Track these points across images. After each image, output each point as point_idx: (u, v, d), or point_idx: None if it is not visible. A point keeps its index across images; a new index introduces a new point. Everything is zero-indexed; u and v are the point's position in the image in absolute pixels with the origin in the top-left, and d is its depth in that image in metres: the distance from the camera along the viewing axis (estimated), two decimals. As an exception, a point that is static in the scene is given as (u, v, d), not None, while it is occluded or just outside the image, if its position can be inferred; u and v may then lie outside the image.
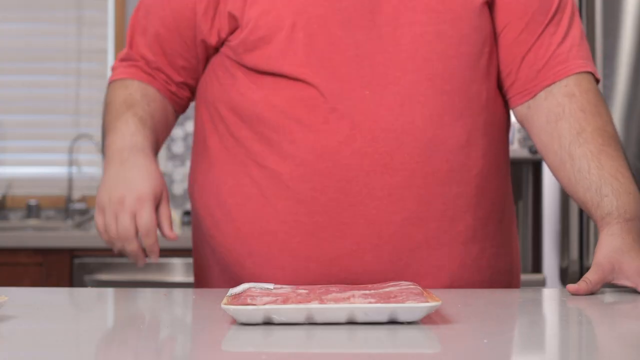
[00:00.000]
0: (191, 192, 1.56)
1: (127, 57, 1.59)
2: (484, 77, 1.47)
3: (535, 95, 1.49)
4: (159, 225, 1.45)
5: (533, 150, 2.83)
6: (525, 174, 2.96)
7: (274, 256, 1.42)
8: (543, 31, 1.48)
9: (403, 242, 1.41)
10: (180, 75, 1.57)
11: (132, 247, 1.44)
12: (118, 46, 3.85)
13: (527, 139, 2.84)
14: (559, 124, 1.46)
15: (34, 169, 3.88)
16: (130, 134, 1.48)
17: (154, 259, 1.45)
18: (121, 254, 1.46)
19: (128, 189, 1.42)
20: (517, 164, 2.92)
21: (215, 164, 1.49)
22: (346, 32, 1.42)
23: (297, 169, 1.41)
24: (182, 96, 1.60)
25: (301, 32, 1.41)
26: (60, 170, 3.87)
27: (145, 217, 1.42)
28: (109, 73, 3.82)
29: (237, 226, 1.45)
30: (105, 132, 1.53)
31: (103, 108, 1.59)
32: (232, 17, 1.46)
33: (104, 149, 1.52)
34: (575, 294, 1.35)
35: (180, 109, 1.62)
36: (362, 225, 1.40)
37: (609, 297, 1.36)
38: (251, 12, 1.44)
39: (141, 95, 1.55)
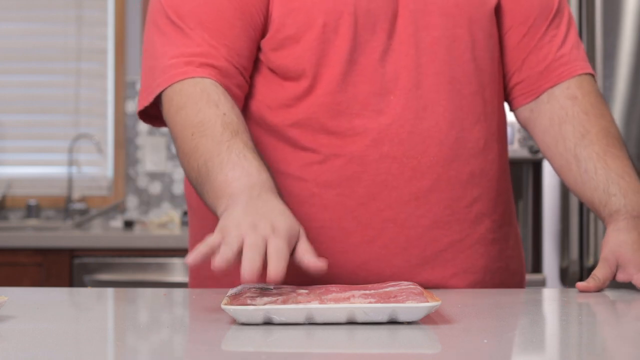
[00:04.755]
0: (191, 191, 1.54)
1: (195, 54, 1.39)
2: (496, 81, 1.50)
3: (538, 96, 1.52)
4: (300, 259, 1.17)
5: (533, 150, 2.83)
6: (525, 174, 2.96)
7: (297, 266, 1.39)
8: (544, 34, 1.52)
9: (430, 246, 1.42)
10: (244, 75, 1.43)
11: (255, 256, 1.11)
12: (118, 46, 3.85)
13: (527, 139, 2.84)
14: (562, 127, 1.48)
15: (34, 169, 3.88)
16: (257, 170, 1.26)
17: (273, 278, 1.09)
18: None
19: (261, 220, 1.16)
20: (517, 164, 2.92)
21: None
22: (372, 34, 1.41)
23: (323, 174, 1.41)
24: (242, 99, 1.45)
25: (332, 33, 1.40)
26: (60, 170, 3.87)
27: (280, 245, 1.13)
28: (109, 73, 3.85)
29: None
30: (204, 160, 1.30)
31: (178, 118, 1.36)
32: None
33: (206, 185, 1.28)
34: (584, 291, 1.38)
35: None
36: (390, 230, 1.41)
37: (609, 295, 1.36)
38: (277, 10, 1.41)
39: (236, 115, 1.35)
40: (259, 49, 1.44)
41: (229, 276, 1.44)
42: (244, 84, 1.43)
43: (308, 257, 1.16)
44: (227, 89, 1.39)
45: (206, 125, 1.32)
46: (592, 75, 1.53)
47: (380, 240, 1.41)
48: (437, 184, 1.42)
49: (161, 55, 1.41)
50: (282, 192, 1.41)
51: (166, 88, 1.38)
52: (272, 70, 1.44)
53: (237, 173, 1.25)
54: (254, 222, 1.16)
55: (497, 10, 1.51)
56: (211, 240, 1.15)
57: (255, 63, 1.45)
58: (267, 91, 1.44)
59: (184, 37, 1.40)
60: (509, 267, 1.52)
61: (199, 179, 1.31)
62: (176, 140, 1.37)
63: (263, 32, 1.43)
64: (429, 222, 1.42)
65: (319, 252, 1.38)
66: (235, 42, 1.40)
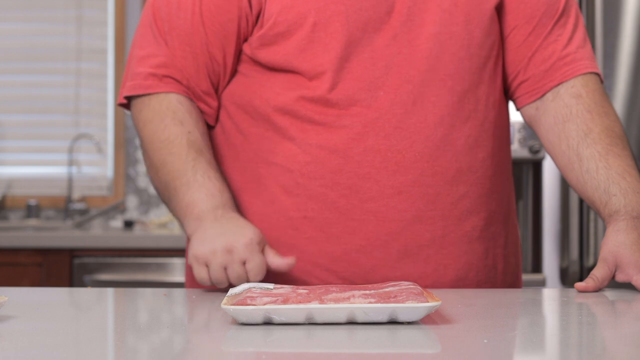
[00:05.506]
0: None
1: (164, 64, 1.48)
2: (491, 80, 1.50)
3: (543, 95, 1.52)
4: (270, 263, 1.37)
5: (533, 150, 2.83)
6: (525, 174, 2.96)
7: (281, 252, 1.43)
8: (549, 33, 1.52)
9: (411, 240, 1.43)
10: (214, 83, 1.50)
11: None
12: (118, 46, 3.85)
13: (527, 139, 2.84)
14: (566, 125, 1.49)
15: (34, 169, 3.88)
16: (219, 192, 1.41)
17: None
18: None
19: (234, 238, 1.35)
20: (517, 164, 2.92)
21: (221, 161, 1.50)
22: (364, 33, 1.43)
23: (307, 165, 1.43)
24: (214, 108, 1.52)
25: (322, 32, 1.42)
26: (60, 170, 3.87)
27: (257, 261, 1.34)
28: (109, 73, 3.86)
29: None
30: (172, 177, 1.44)
31: (147, 131, 1.47)
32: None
33: (173, 201, 1.44)
34: (583, 291, 1.37)
35: (212, 122, 1.53)
36: (371, 222, 1.42)
37: (609, 295, 1.36)
38: (272, 7, 1.43)
39: (200, 133, 1.47)
40: (249, 46, 1.47)
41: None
42: (209, 90, 1.50)
43: (274, 259, 1.36)
44: (192, 98, 1.48)
45: (173, 142, 1.45)
46: (598, 75, 1.53)
47: (361, 232, 1.42)
48: (421, 179, 1.42)
49: (133, 56, 1.51)
50: (269, 181, 1.45)
51: (138, 97, 1.49)
52: (262, 66, 1.46)
53: (202, 195, 1.41)
54: (227, 246, 1.34)
55: (500, 10, 1.51)
56: (200, 276, 1.35)
57: (248, 58, 1.48)
58: (257, 81, 1.46)
59: (156, 44, 1.48)
60: (496, 266, 1.51)
61: (166, 193, 1.46)
62: (145, 151, 1.50)
63: (240, 34, 1.47)
64: (411, 217, 1.42)
65: (302, 241, 1.42)
66: (204, 50, 1.47)
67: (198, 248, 1.36)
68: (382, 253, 1.42)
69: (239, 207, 1.47)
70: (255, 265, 1.33)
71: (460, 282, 1.46)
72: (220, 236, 1.35)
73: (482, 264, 1.48)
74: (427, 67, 1.43)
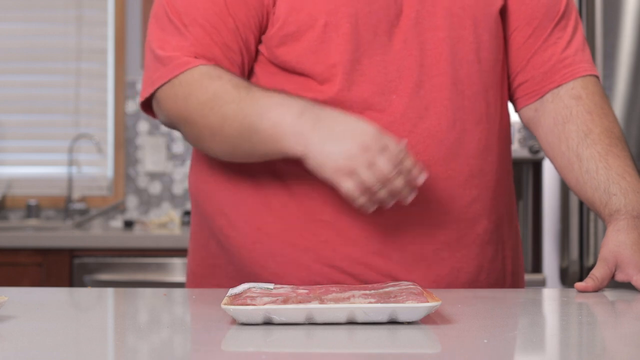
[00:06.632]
0: (195, 191, 1.54)
1: (193, 52, 1.42)
2: (500, 83, 1.50)
3: (542, 96, 1.53)
4: None
5: (533, 150, 2.84)
6: (525, 174, 2.96)
7: (297, 256, 1.42)
8: (549, 35, 1.53)
9: (427, 243, 1.43)
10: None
11: (399, 182, 1.30)
12: (118, 46, 3.85)
13: (527, 139, 2.84)
14: (566, 126, 1.49)
15: (34, 169, 3.88)
16: (289, 98, 1.35)
17: (422, 179, 1.31)
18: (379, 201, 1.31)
19: (360, 136, 1.30)
20: (517, 164, 2.92)
21: (233, 165, 1.47)
22: (374, 35, 1.42)
23: None
24: None
25: (333, 33, 1.41)
26: (60, 170, 3.87)
27: (395, 146, 1.28)
28: (109, 73, 3.86)
29: (258, 226, 1.45)
30: (241, 122, 1.35)
31: (189, 104, 1.40)
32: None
33: (256, 140, 1.35)
34: (583, 291, 1.37)
35: None
36: (388, 226, 1.42)
37: (608, 295, 1.36)
38: (281, 7, 1.41)
39: (241, 78, 1.41)
40: (260, 43, 1.45)
41: (247, 278, 1.45)
42: (237, 73, 1.43)
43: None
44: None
45: (220, 95, 1.37)
46: (597, 77, 1.54)
47: (377, 237, 1.41)
48: (435, 183, 1.42)
49: (153, 49, 1.43)
50: (284, 185, 1.42)
51: (166, 83, 1.41)
52: (276, 66, 1.44)
53: (278, 111, 1.33)
54: (360, 144, 1.27)
55: (503, 12, 1.51)
56: (350, 189, 1.29)
57: (259, 57, 1.46)
58: (270, 82, 1.45)
59: (179, 35, 1.42)
60: (505, 267, 1.52)
61: (245, 143, 1.36)
62: (195, 124, 1.40)
63: (261, 28, 1.43)
64: (427, 221, 1.42)
65: (319, 244, 1.40)
66: (230, 39, 1.42)
67: (334, 161, 1.29)
68: (398, 257, 1.42)
69: (253, 215, 1.44)
70: (398, 150, 1.27)
71: (471, 285, 1.46)
72: (343, 140, 1.29)
73: (491, 267, 1.49)
74: (437, 72, 1.43)
